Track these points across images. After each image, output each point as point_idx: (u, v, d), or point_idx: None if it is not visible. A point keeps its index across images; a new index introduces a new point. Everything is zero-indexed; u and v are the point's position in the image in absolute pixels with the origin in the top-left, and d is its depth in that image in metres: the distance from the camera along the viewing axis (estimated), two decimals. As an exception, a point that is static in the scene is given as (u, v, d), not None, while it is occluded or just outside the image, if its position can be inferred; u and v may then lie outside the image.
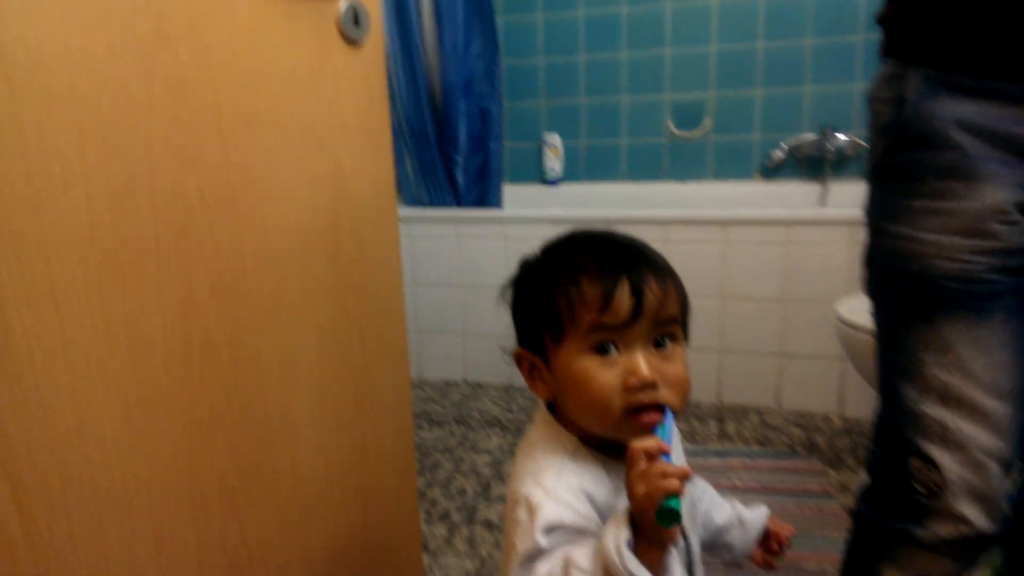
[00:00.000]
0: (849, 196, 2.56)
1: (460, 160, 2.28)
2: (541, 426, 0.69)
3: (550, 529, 0.58)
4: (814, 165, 2.60)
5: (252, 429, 0.77)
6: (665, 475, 0.52)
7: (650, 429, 0.60)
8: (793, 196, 2.58)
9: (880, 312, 0.81)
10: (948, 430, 0.73)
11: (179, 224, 0.68)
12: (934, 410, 0.73)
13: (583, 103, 2.81)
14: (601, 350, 0.62)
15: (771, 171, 2.66)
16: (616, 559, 0.51)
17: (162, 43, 0.65)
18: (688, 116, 2.71)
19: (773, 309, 2.08)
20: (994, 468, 0.72)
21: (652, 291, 0.62)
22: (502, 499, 1.67)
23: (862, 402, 2.02)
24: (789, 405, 2.11)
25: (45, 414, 0.57)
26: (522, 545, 0.58)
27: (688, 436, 1.94)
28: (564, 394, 0.64)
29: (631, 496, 0.54)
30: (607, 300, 0.61)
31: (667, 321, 0.63)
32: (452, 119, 2.22)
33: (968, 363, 0.72)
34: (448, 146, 2.27)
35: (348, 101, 0.88)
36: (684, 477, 0.53)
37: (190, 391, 0.70)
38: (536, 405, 2.16)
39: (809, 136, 2.56)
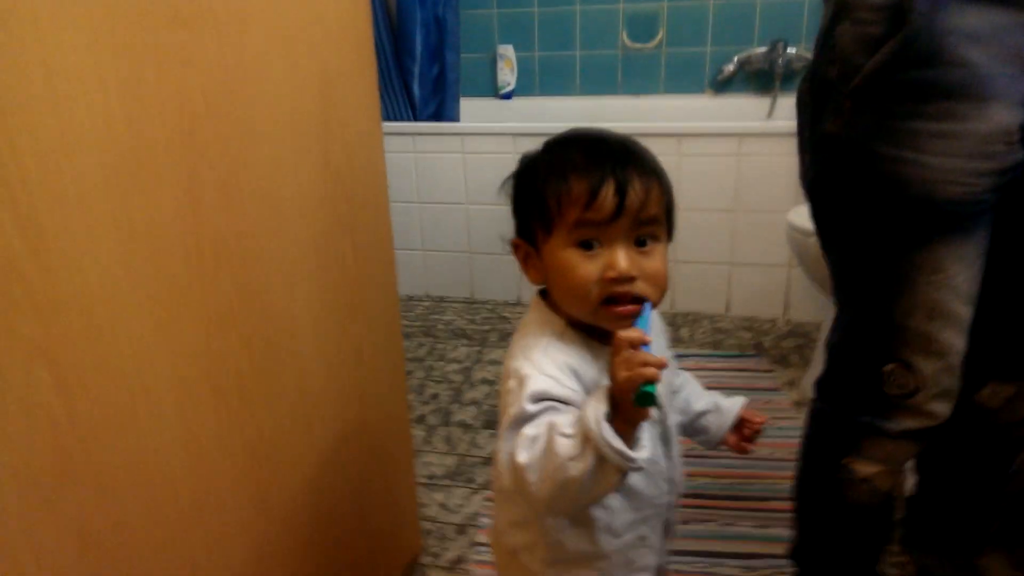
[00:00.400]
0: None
1: (416, 71, 2.24)
2: (534, 310, 0.74)
3: (537, 398, 0.64)
4: (763, 79, 2.65)
5: (261, 327, 0.80)
6: (645, 363, 0.58)
7: (624, 318, 0.66)
8: (743, 109, 2.63)
9: (864, 235, 0.78)
10: (932, 340, 0.76)
11: (186, 125, 0.67)
12: (920, 323, 0.75)
13: (536, 12, 2.76)
14: (585, 244, 0.66)
15: (721, 85, 2.70)
16: (595, 428, 0.58)
17: (160, -66, 0.63)
18: (642, 28, 2.71)
19: (724, 219, 2.16)
20: (959, 366, 0.78)
21: (635, 191, 0.65)
22: (474, 402, 1.74)
23: (805, 307, 2.16)
24: (738, 311, 2.23)
25: (80, 308, 0.59)
26: (512, 410, 0.65)
27: (645, 341, 2.04)
28: (551, 282, 0.70)
29: (613, 378, 0.59)
30: (592, 197, 0.65)
31: (648, 221, 0.67)
32: (408, 28, 2.17)
33: (955, 279, 0.74)
34: (404, 56, 2.22)
35: (331, 4, 0.87)
36: (661, 366, 0.58)
37: (205, 287, 0.71)
38: (498, 318, 2.22)
39: (759, 50, 2.60)
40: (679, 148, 2.13)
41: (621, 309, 0.66)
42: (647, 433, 0.62)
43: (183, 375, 0.70)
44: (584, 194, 0.65)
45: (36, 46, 0.54)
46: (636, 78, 2.78)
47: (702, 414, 0.85)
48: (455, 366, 1.94)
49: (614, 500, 0.71)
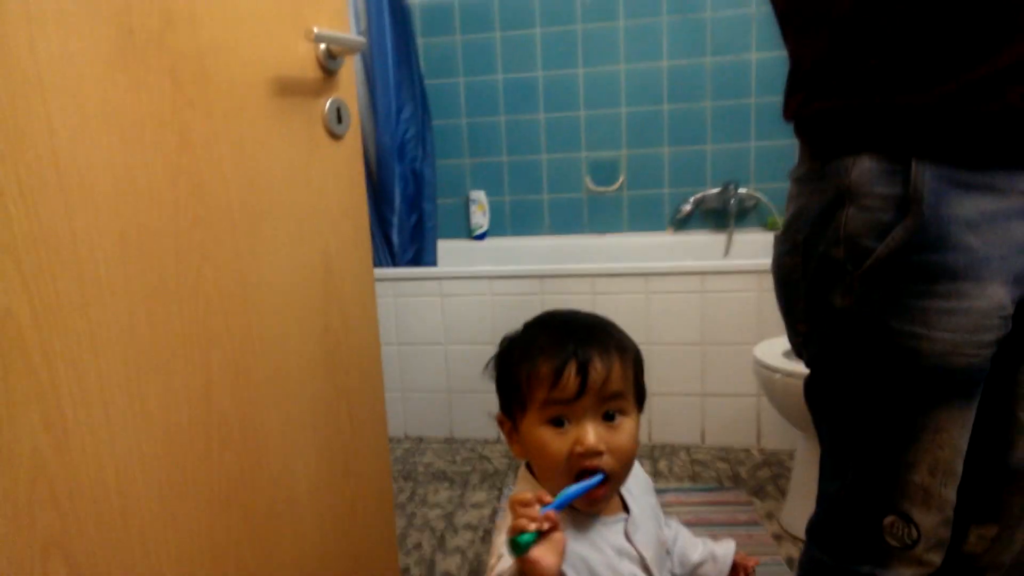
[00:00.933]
0: (751, 245, 2.82)
1: (395, 221, 2.37)
2: (521, 481, 0.79)
3: None
4: (718, 216, 2.84)
5: (262, 498, 0.83)
6: (520, 518, 0.62)
7: (594, 501, 0.72)
8: (702, 246, 2.80)
9: (871, 399, 0.83)
10: (933, 495, 0.80)
11: (200, 313, 0.74)
12: (921, 478, 0.79)
13: (506, 161, 2.96)
14: (556, 421, 0.72)
15: (681, 223, 2.88)
16: None
17: (185, 151, 0.72)
18: (604, 173, 2.91)
19: (693, 352, 2.25)
20: (951, 519, 0.81)
21: (596, 370, 0.71)
22: (458, 550, 1.72)
23: (777, 434, 2.21)
24: (713, 441, 2.28)
25: (94, 498, 0.62)
26: None
27: (625, 476, 2.06)
28: (530, 456, 0.76)
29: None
30: (556, 377, 0.71)
31: (611, 396, 0.72)
32: (387, 182, 2.31)
33: (956, 439, 0.79)
34: (384, 207, 2.35)
35: (333, 191, 0.96)
36: (535, 520, 0.63)
37: (211, 468, 0.75)
38: (478, 457, 2.23)
39: (713, 190, 2.80)
40: (646, 286, 2.24)
41: (591, 494, 0.70)
42: None
43: (187, 554, 0.72)
44: (549, 375, 0.71)
45: (71, 262, 0.60)
46: (601, 217, 2.95)
47: (699, 564, 0.88)
48: (437, 511, 1.92)
49: None
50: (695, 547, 0.89)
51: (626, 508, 0.78)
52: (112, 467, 0.64)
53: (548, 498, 0.65)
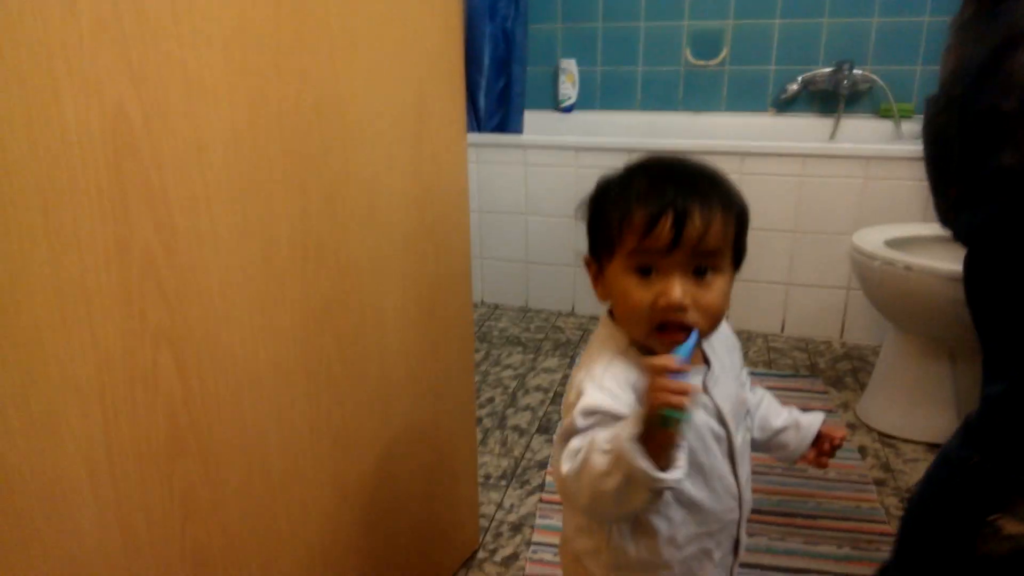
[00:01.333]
0: (860, 131, 2.62)
1: (483, 83, 2.31)
2: (602, 326, 0.78)
3: (589, 412, 0.67)
4: (827, 99, 2.64)
5: (352, 323, 0.86)
6: (668, 391, 0.60)
7: (671, 346, 0.67)
8: (805, 130, 2.63)
9: None
10: None
11: (301, 132, 0.74)
12: None
13: (600, 27, 2.81)
14: (643, 271, 0.68)
15: (784, 104, 2.70)
16: (625, 447, 0.61)
17: (287, -36, 0.70)
18: (705, 45, 2.72)
19: (785, 239, 2.16)
20: None
21: (694, 224, 0.66)
22: (528, 408, 1.78)
23: (862, 329, 2.14)
24: (793, 332, 2.23)
25: (200, 298, 0.65)
26: (566, 421, 0.69)
27: (698, 356, 2.06)
28: (613, 301, 0.73)
29: (645, 403, 0.62)
30: (650, 227, 0.66)
31: (706, 253, 0.67)
32: (476, 41, 2.24)
33: None
34: (472, 69, 2.28)
35: (430, 28, 0.93)
36: (684, 393, 0.60)
37: (307, 286, 0.78)
38: (551, 327, 2.26)
39: (824, 70, 2.59)
40: (741, 167, 2.14)
41: (670, 337, 0.68)
42: (683, 453, 0.65)
43: (282, 364, 0.76)
44: (643, 223, 0.67)
45: (179, 65, 0.61)
46: (698, 95, 2.79)
47: (781, 431, 0.86)
48: (510, 372, 1.98)
49: (676, 512, 0.74)
50: (778, 413, 0.87)
51: (707, 362, 0.77)
52: (216, 273, 0.67)
53: (678, 366, 0.62)
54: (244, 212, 0.68)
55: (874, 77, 2.54)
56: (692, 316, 0.68)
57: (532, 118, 2.82)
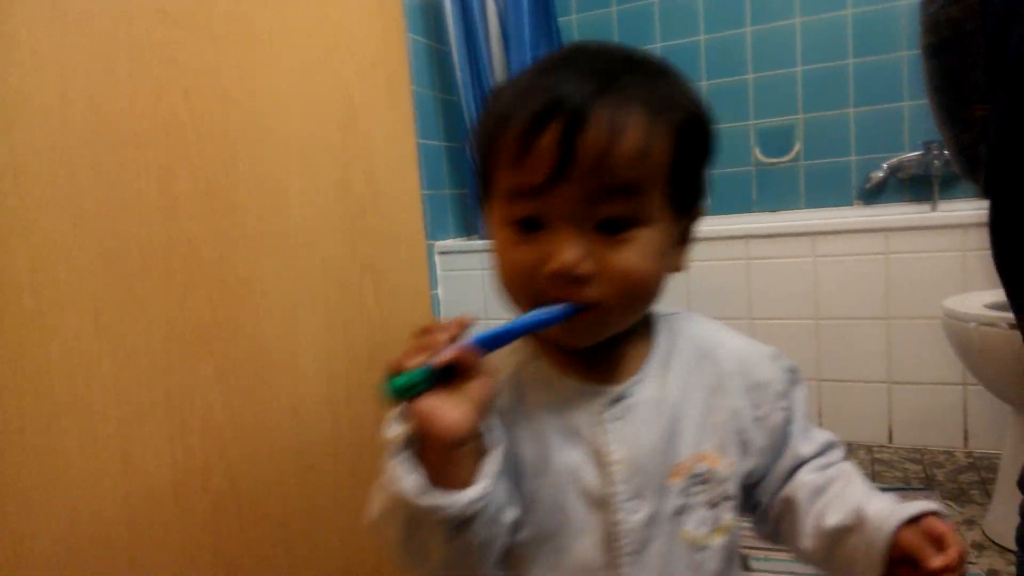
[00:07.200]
0: (960, 217, 2.32)
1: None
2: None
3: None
4: (919, 184, 2.38)
5: (246, 355, 0.72)
6: (406, 352, 0.40)
7: (571, 335, 0.48)
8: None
9: None
10: None
11: (161, 119, 0.65)
12: None
13: (663, 136, 2.74)
14: (525, 224, 0.46)
15: (871, 194, 2.46)
16: (391, 466, 0.41)
17: None
18: (776, 142, 2.58)
19: (877, 328, 1.86)
20: None
21: (593, 136, 0.43)
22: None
23: (989, 434, 1.74)
24: (904, 440, 1.85)
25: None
26: None
27: (781, 468, 1.73)
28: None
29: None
30: (523, 147, 0.44)
31: (618, 188, 0.44)
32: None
33: None
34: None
35: (358, 30, 0.86)
36: (425, 351, 0.40)
37: (170, 301, 0.65)
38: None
39: (912, 154, 2.36)
40: (814, 248, 1.90)
41: (571, 319, 0.46)
42: (497, 461, 0.43)
43: (129, 399, 0.62)
44: (514, 146, 0.44)
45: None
46: (772, 193, 2.61)
47: (840, 532, 0.49)
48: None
49: None
50: (842, 505, 0.51)
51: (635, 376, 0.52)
52: (26, 260, 0.56)
53: (445, 327, 0.43)
54: (73, 195, 0.58)
55: (971, 155, 2.28)
56: (595, 290, 0.45)
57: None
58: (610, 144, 0.43)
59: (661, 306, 0.55)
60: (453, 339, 0.41)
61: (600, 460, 0.49)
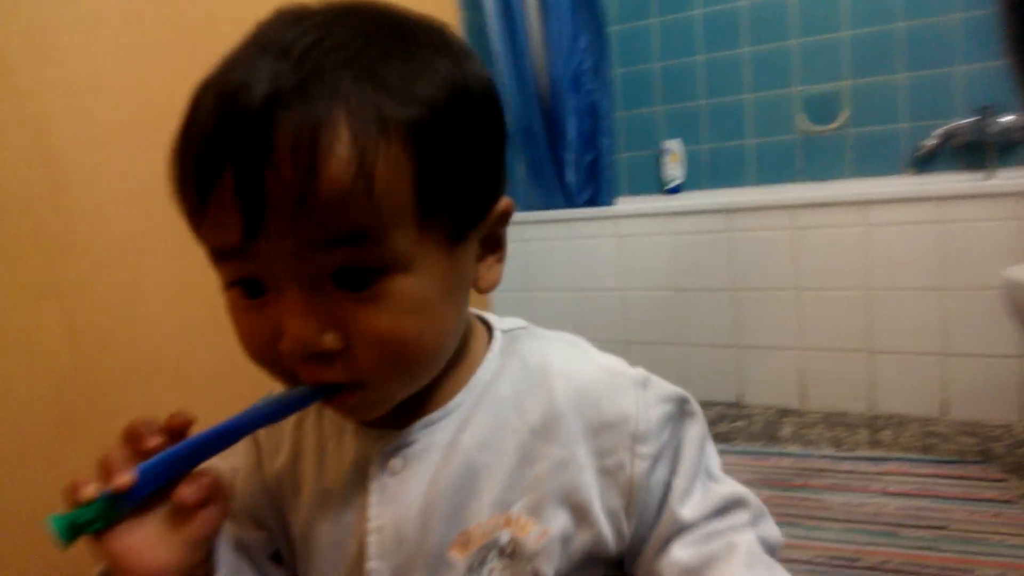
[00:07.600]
0: (1018, 184, 2.22)
1: (570, 158, 2.21)
2: None
3: None
4: (975, 152, 2.29)
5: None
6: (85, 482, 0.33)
7: (343, 409, 0.39)
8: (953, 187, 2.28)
9: None
10: None
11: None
12: None
13: (704, 105, 2.68)
14: (249, 287, 0.36)
15: (923, 162, 2.37)
16: None
17: None
18: (822, 109, 2.50)
19: (931, 299, 1.80)
20: None
21: (285, 175, 0.31)
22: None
23: (1052, 407, 1.69)
24: (959, 414, 1.80)
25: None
26: None
27: (832, 442, 1.69)
28: None
29: None
30: (198, 203, 0.34)
31: (339, 238, 0.33)
32: (561, 116, 2.17)
33: None
34: (557, 144, 2.21)
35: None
36: (109, 476, 0.33)
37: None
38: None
39: (966, 120, 2.27)
40: (865, 218, 1.84)
41: (331, 403, 0.38)
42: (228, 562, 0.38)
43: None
44: (185, 190, 0.34)
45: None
46: (819, 162, 2.54)
47: None
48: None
49: None
50: None
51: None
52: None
53: (193, 427, 0.36)
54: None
55: (1026, 120, 2.18)
56: (352, 366, 0.36)
57: (637, 202, 2.67)
58: (306, 181, 0.31)
59: (506, 321, 0.47)
60: (157, 449, 0.33)
61: (360, 535, 0.41)
